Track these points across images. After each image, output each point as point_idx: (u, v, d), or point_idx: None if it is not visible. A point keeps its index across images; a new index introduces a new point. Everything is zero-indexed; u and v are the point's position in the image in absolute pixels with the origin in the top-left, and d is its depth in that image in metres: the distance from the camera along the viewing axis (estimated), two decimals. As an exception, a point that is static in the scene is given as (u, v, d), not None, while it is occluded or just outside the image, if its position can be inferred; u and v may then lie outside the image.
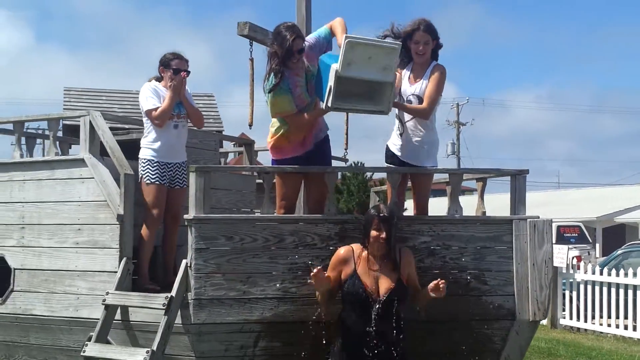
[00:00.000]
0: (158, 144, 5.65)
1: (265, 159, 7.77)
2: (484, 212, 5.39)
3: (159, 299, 4.89)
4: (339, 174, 5.16)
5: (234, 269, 4.88)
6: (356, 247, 4.73)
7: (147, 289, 5.37)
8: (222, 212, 6.31)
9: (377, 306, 4.53)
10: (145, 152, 5.68)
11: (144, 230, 5.59)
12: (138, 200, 5.58)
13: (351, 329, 4.62)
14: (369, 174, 32.50)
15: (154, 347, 4.76)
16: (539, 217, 5.10)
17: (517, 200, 5.22)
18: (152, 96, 5.67)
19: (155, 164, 5.63)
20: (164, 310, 4.82)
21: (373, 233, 4.57)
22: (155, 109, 5.60)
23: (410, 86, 5.37)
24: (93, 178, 5.61)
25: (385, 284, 4.59)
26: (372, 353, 4.53)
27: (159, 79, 5.82)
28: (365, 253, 4.66)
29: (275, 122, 5.35)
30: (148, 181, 5.59)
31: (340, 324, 4.70)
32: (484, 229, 5.09)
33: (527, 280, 5.00)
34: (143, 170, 5.62)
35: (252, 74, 6.21)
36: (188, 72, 5.77)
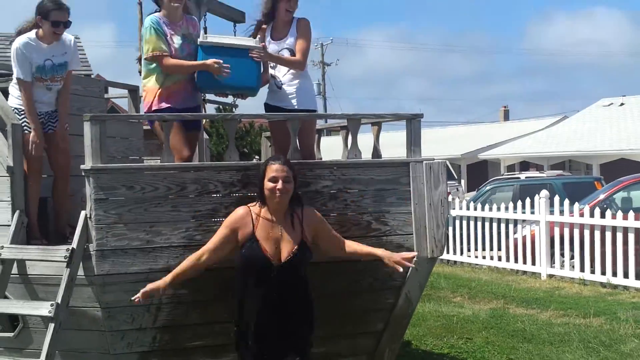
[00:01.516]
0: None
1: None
2: (380, 156, 5.54)
3: (60, 252, 4.74)
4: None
5: (136, 219, 4.79)
6: (255, 208, 4.37)
7: (35, 243, 5.20)
8: (111, 161, 6.14)
9: (276, 273, 4.22)
10: (15, 102, 5.49)
11: (28, 180, 5.37)
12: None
13: (251, 300, 4.32)
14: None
15: (58, 300, 4.64)
16: (434, 159, 5.29)
17: (413, 143, 5.37)
18: (23, 63, 5.42)
19: (23, 113, 5.45)
20: (65, 263, 4.69)
21: (268, 185, 4.22)
22: (25, 83, 5.41)
23: (277, 44, 5.70)
24: (-23, 129, 5.31)
25: (287, 248, 4.27)
26: (276, 324, 4.29)
27: (35, 26, 5.54)
28: (264, 212, 4.31)
29: (150, 79, 5.51)
30: (27, 130, 5.36)
31: (238, 294, 4.40)
32: (382, 172, 5.22)
33: (424, 219, 5.20)
34: (20, 118, 5.38)
35: (141, 18, 6.07)
36: (68, 24, 5.55)
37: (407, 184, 5.24)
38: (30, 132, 5.40)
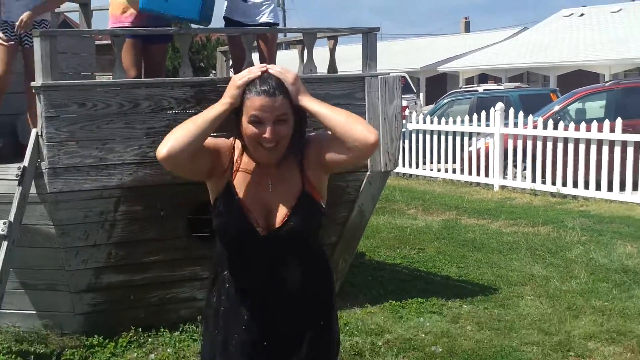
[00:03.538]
0: None
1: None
2: (336, 71, 5.54)
3: (12, 170, 4.70)
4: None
5: (89, 136, 4.76)
6: (238, 143, 2.62)
7: None
8: (63, 77, 6.03)
9: (263, 246, 2.55)
10: None
11: None
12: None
13: (232, 282, 2.65)
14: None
15: (11, 218, 4.63)
16: (389, 74, 5.32)
17: (369, 58, 5.37)
18: None
19: None
20: (17, 181, 4.66)
21: (249, 129, 2.46)
22: None
23: None
24: None
25: (281, 206, 2.56)
26: (268, 325, 2.62)
27: None
28: (246, 158, 2.61)
29: None
30: None
31: (215, 260, 2.76)
32: (338, 87, 5.23)
33: (379, 134, 5.26)
34: None
35: None
36: None
37: (362, 98, 5.28)
38: None
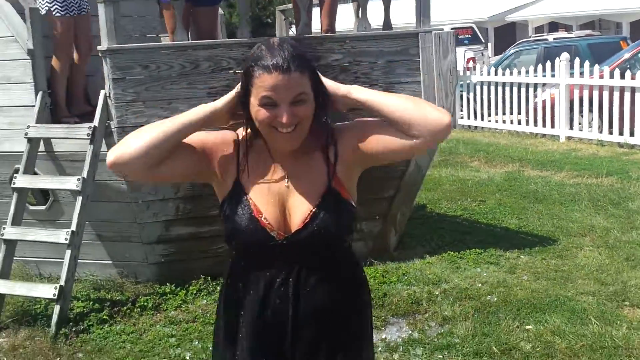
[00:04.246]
0: None
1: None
2: (391, 27, 5.62)
3: (83, 129, 5.00)
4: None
5: (154, 96, 5.00)
6: (242, 133, 2.19)
7: (66, 122, 5.44)
8: (128, 40, 6.29)
9: (279, 252, 2.12)
10: None
11: (55, 62, 5.55)
12: (47, 33, 5.49)
13: (245, 290, 2.20)
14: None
15: (84, 175, 4.94)
16: (442, 29, 5.37)
17: (422, 13, 5.42)
18: None
19: None
20: (89, 140, 4.95)
21: (260, 113, 2.03)
22: None
23: None
24: (-4, 14, 5.46)
25: (300, 205, 2.13)
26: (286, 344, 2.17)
27: None
28: (258, 145, 2.17)
29: None
30: (57, 13, 5.47)
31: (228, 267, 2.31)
32: (392, 44, 5.31)
33: (433, 89, 5.35)
34: (50, 3, 5.48)
35: None
36: None
37: (417, 54, 5.35)
38: (61, 15, 5.49)
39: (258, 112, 2.03)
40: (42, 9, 5.44)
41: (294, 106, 2.01)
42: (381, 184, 5.68)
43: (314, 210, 2.10)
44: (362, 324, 2.28)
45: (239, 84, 2.10)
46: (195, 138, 2.13)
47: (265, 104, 2.01)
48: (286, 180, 2.14)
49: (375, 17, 5.58)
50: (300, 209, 2.11)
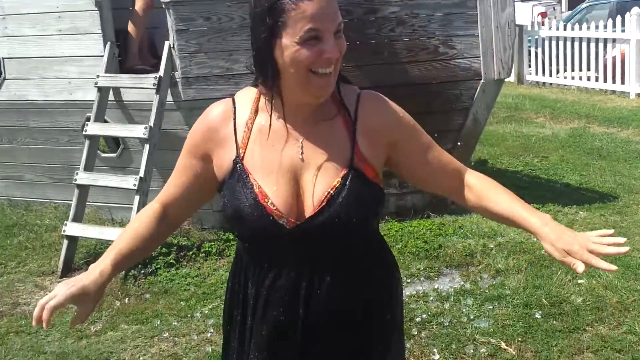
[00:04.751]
0: None
1: None
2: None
3: (149, 79, 5.20)
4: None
5: (215, 48, 5.15)
6: (245, 100, 1.83)
7: (137, 70, 5.64)
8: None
9: (289, 241, 1.75)
10: None
11: (136, 15, 5.73)
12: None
13: (253, 284, 1.86)
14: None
15: (151, 124, 5.15)
16: (502, -19, 5.34)
17: (482, -34, 5.40)
18: None
19: None
20: (155, 90, 5.15)
21: (302, 54, 1.63)
22: None
23: None
24: (66, -35, 5.67)
25: (317, 184, 1.75)
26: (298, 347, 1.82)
27: None
28: (265, 110, 1.78)
29: None
30: None
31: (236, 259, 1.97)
32: (450, -4, 5.32)
33: (491, 42, 5.34)
34: None
35: None
36: None
37: (474, 7, 5.34)
38: None
39: (297, 52, 1.62)
40: None
41: (339, 39, 1.68)
42: (439, 137, 5.69)
43: (331, 192, 1.72)
44: (389, 321, 1.91)
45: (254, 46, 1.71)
46: (187, 159, 1.87)
47: (309, 39, 1.62)
48: (301, 151, 1.75)
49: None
50: (316, 189, 1.73)
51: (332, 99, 1.77)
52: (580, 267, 1.62)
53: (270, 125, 1.76)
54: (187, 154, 1.87)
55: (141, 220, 1.91)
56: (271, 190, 1.73)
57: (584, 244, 1.65)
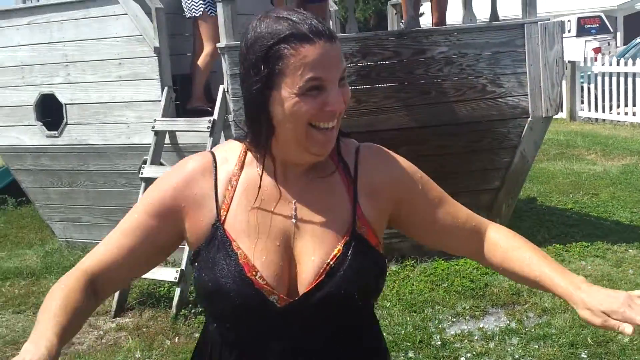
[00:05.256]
0: None
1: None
2: (497, 18, 5.71)
3: (204, 123, 5.39)
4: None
5: (268, 91, 5.30)
6: (230, 154, 1.57)
7: (200, 110, 5.82)
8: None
9: (281, 322, 1.48)
10: None
11: (205, 59, 5.93)
12: (172, 31, 5.94)
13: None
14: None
15: (204, 165, 5.31)
16: (549, 20, 5.41)
17: (528, 4, 5.48)
18: None
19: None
20: (209, 132, 5.33)
21: (304, 106, 1.40)
22: None
23: None
24: (126, 14, 5.93)
25: (314, 254, 1.49)
26: None
27: None
28: (253, 168, 1.54)
29: None
30: (212, 14, 5.83)
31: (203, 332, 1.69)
32: (497, 35, 5.40)
33: (539, 79, 5.39)
34: (205, 4, 5.87)
35: None
36: None
37: (522, 45, 5.41)
38: (215, 14, 5.80)
39: (296, 105, 1.40)
40: (197, 10, 5.87)
41: (344, 88, 1.46)
42: (486, 175, 5.77)
43: (332, 263, 1.48)
44: None
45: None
46: (144, 217, 1.55)
47: (310, 89, 1.40)
48: (294, 213, 1.51)
49: (482, 9, 5.67)
50: (312, 260, 1.49)
51: (329, 154, 1.53)
52: (628, 329, 1.38)
53: (260, 182, 1.50)
54: (144, 213, 1.54)
55: (69, 293, 1.50)
56: (259, 260, 1.47)
57: (627, 302, 1.41)
